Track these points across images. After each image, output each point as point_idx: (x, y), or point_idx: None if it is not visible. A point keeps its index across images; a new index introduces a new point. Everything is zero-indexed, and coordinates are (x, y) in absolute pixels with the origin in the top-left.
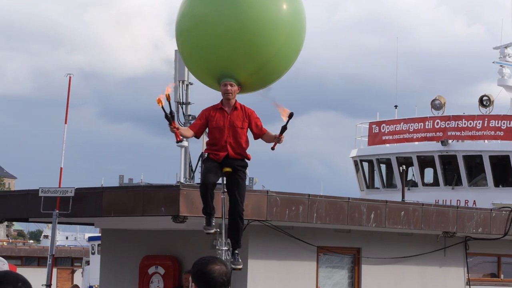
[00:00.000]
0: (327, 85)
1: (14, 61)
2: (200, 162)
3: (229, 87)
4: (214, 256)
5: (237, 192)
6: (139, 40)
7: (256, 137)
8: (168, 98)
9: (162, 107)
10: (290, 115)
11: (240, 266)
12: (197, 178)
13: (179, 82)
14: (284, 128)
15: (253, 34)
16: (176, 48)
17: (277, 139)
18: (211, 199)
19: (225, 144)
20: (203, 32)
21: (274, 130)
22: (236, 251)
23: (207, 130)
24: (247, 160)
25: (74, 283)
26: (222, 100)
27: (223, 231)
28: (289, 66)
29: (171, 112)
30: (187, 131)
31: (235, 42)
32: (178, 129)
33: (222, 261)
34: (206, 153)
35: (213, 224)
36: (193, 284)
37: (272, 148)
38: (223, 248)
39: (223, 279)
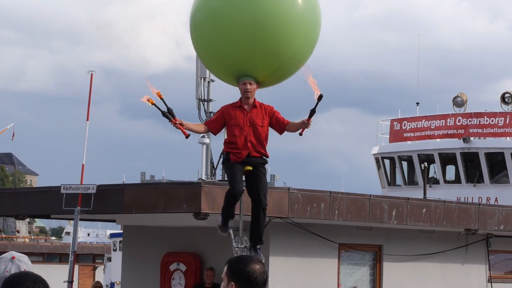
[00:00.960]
0: (348, 83)
1: (36, 58)
2: (221, 159)
3: (248, 86)
4: (250, 255)
5: (260, 188)
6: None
7: (280, 132)
8: (159, 96)
9: (155, 105)
10: (320, 97)
11: (262, 260)
12: (219, 175)
13: (201, 79)
14: (312, 112)
15: (270, 31)
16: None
17: (305, 124)
18: (235, 206)
19: (245, 142)
20: (222, 29)
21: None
22: (258, 247)
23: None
24: (266, 158)
25: (96, 279)
26: (240, 98)
27: (241, 229)
28: (305, 61)
29: (168, 109)
30: (197, 126)
31: (253, 40)
32: (181, 124)
33: (260, 260)
34: (226, 152)
35: (229, 227)
36: (232, 283)
37: (300, 134)
38: (240, 246)
39: (264, 279)
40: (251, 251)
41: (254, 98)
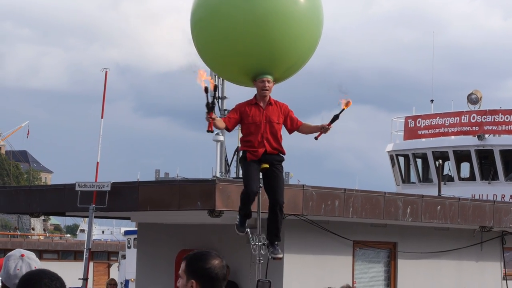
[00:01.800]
0: (362, 80)
1: (50, 56)
2: (235, 157)
3: (267, 84)
4: (209, 251)
5: (277, 186)
6: (174, 34)
7: (290, 132)
8: (214, 88)
9: (207, 94)
10: (348, 104)
11: (281, 255)
12: (233, 173)
13: (215, 77)
14: (335, 118)
15: (287, 28)
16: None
17: (324, 129)
18: (251, 205)
19: (261, 139)
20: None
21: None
22: (276, 243)
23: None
24: (282, 155)
25: (111, 277)
26: (255, 95)
27: (258, 226)
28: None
29: (213, 101)
30: (220, 122)
31: (273, 37)
32: (214, 119)
33: (218, 255)
34: (242, 151)
35: (246, 225)
36: (192, 281)
37: (316, 138)
38: (258, 243)
39: (224, 273)
40: (269, 248)
41: (269, 95)
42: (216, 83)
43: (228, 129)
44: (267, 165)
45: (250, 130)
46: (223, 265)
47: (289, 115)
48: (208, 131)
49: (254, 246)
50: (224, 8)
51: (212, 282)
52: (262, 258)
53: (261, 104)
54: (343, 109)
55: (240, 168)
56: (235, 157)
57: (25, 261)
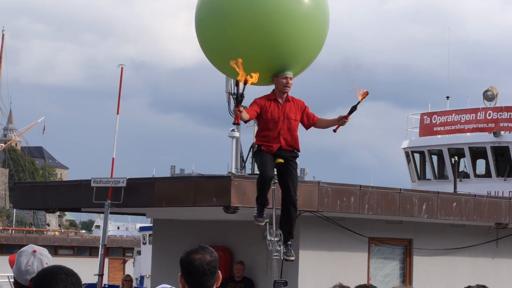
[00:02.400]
0: (378, 76)
1: (66, 52)
2: (251, 153)
3: (290, 81)
4: (202, 246)
5: (291, 182)
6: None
7: (307, 128)
8: (247, 82)
9: (237, 86)
10: (365, 94)
11: (293, 258)
12: (248, 169)
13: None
14: (353, 109)
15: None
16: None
17: (342, 121)
18: (267, 192)
19: (278, 135)
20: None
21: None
22: (289, 242)
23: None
24: (297, 152)
25: (126, 273)
26: (274, 91)
27: (274, 222)
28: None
29: (242, 94)
30: (245, 114)
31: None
32: (241, 112)
33: (208, 250)
34: (257, 144)
35: (265, 215)
36: (180, 274)
37: (335, 131)
38: (274, 239)
39: (204, 268)
40: (282, 248)
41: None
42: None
43: (248, 119)
44: (281, 160)
45: (268, 126)
46: (208, 260)
47: (305, 111)
48: (234, 123)
49: (270, 242)
50: (231, 12)
51: (191, 276)
52: (277, 254)
53: (280, 101)
54: (360, 100)
55: (255, 161)
56: (251, 153)
57: (36, 257)
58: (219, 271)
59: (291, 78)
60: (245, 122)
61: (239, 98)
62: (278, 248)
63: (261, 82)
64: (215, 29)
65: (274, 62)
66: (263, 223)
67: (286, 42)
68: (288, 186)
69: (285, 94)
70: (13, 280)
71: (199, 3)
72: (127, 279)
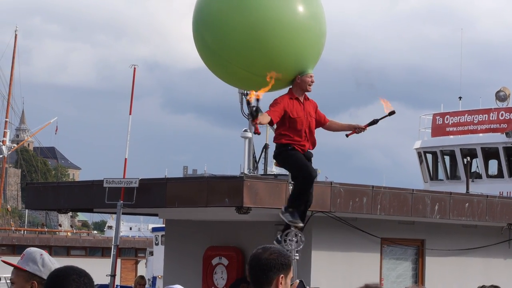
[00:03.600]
0: (390, 77)
1: (78, 52)
2: (263, 153)
3: (313, 79)
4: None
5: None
6: None
7: (317, 126)
8: (258, 98)
9: (248, 103)
10: (391, 113)
11: (301, 224)
12: (261, 169)
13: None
14: (374, 122)
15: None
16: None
17: (359, 129)
18: (309, 194)
19: (306, 134)
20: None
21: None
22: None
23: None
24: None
25: (138, 273)
26: (292, 90)
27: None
28: None
29: (257, 109)
30: (265, 118)
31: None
32: (259, 123)
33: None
34: (285, 143)
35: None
36: None
37: (347, 135)
38: (293, 239)
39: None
40: (288, 216)
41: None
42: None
43: (273, 122)
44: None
45: (296, 125)
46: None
47: (317, 111)
48: (255, 133)
49: (291, 243)
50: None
51: None
52: (298, 255)
53: (301, 99)
54: (385, 117)
55: (283, 160)
56: (263, 153)
57: (45, 255)
58: None
59: (313, 76)
60: (270, 125)
61: (253, 114)
62: (293, 248)
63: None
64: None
65: (314, 58)
66: (302, 224)
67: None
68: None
69: (304, 94)
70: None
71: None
72: (141, 283)
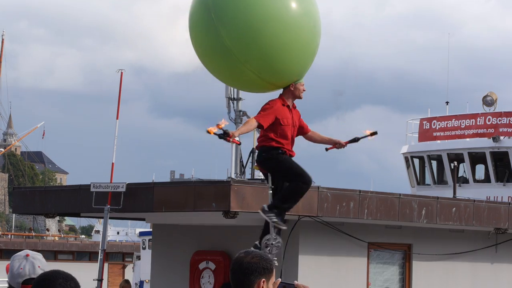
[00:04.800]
0: (377, 81)
1: (65, 56)
2: (251, 158)
3: (304, 88)
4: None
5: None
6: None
7: (299, 134)
8: (220, 127)
9: (215, 133)
10: (373, 133)
11: (285, 227)
12: (248, 174)
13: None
14: (355, 140)
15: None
16: None
17: (339, 145)
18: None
19: (292, 142)
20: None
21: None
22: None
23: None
24: None
25: (126, 278)
26: (282, 97)
27: (271, 227)
28: None
29: (224, 132)
30: (248, 126)
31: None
32: (234, 136)
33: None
34: (275, 147)
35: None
36: None
37: (327, 149)
38: (273, 243)
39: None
40: (272, 216)
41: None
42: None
43: (263, 127)
44: None
45: (286, 133)
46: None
47: (300, 119)
48: (239, 144)
49: (272, 246)
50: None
51: None
52: (276, 259)
53: (291, 107)
54: (366, 136)
55: (274, 164)
56: (250, 158)
57: (29, 260)
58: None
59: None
60: (260, 129)
61: (223, 137)
62: (273, 253)
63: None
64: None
65: (304, 67)
66: (285, 227)
67: (277, 53)
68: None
69: (294, 101)
70: (7, 285)
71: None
72: (126, 287)
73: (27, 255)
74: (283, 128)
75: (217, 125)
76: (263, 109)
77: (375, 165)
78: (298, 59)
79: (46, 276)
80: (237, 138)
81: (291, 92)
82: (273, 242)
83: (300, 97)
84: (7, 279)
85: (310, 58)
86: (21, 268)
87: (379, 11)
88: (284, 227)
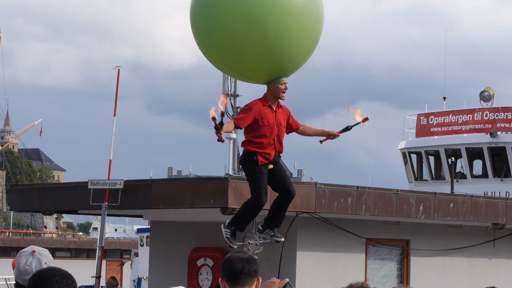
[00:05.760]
0: (374, 77)
1: (62, 53)
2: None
3: (287, 86)
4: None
5: (287, 180)
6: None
7: (288, 133)
8: (222, 114)
9: (213, 118)
10: (365, 119)
11: (283, 238)
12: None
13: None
14: (347, 129)
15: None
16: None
17: (332, 136)
18: (254, 218)
19: (273, 142)
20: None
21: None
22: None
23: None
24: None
25: (123, 275)
26: (266, 96)
27: (254, 226)
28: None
29: (221, 122)
30: (229, 125)
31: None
32: (222, 133)
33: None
34: (250, 152)
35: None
36: None
37: (321, 142)
38: (252, 241)
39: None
40: (269, 232)
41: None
42: (224, 110)
43: (240, 128)
44: (272, 166)
45: (265, 133)
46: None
47: (290, 118)
48: (219, 141)
49: (250, 245)
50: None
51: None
52: (267, 259)
53: (273, 107)
54: (358, 123)
55: (246, 171)
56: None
57: (35, 257)
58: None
59: (286, 83)
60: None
61: (218, 127)
62: (258, 251)
63: (255, 82)
64: (210, 28)
65: (272, 62)
66: (237, 246)
67: (283, 41)
68: (285, 181)
69: (278, 101)
70: (14, 282)
71: (193, 3)
72: (114, 284)
73: (34, 251)
74: (262, 128)
75: (221, 111)
76: (242, 110)
77: (373, 161)
78: (262, 55)
79: (43, 274)
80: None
81: (271, 92)
82: (254, 241)
83: (280, 97)
84: (5, 277)
85: (279, 58)
86: (28, 265)
87: (374, 6)
88: (234, 246)
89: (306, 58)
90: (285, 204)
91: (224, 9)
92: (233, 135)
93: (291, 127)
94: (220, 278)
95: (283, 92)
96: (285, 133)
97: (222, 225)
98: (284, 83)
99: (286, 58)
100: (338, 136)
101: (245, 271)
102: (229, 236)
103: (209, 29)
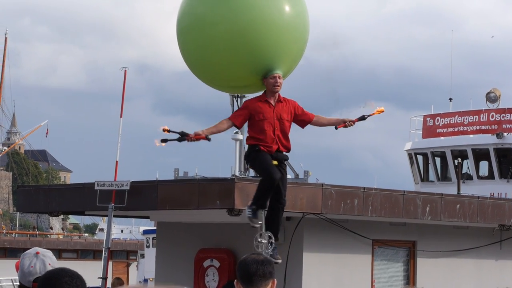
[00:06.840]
0: (379, 78)
1: (68, 54)
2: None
3: (278, 80)
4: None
5: (282, 186)
6: None
7: (303, 126)
8: (166, 130)
9: (169, 134)
10: (380, 111)
11: (280, 260)
12: (252, 171)
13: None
14: (363, 118)
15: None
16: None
17: (349, 123)
18: (271, 194)
19: (274, 136)
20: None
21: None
22: (274, 245)
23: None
24: (287, 154)
25: (129, 276)
26: (265, 92)
27: (263, 224)
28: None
29: (180, 133)
30: (219, 125)
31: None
32: (199, 135)
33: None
34: (252, 145)
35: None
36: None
37: (337, 128)
38: (264, 241)
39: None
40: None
41: (279, 93)
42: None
43: (237, 126)
44: (276, 162)
45: (263, 128)
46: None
47: (299, 110)
48: (209, 140)
49: (260, 244)
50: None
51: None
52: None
53: (271, 101)
54: (374, 113)
55: (252, 162)
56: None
57: (39, 258)
58: None
59: (280, 77)
60: (226, 130)
61: (181, 138)
62: (267, 251)
63: (255, 89)
64: (197, 41)
65: (258, 65)
66: (259, 225)
67: (266, 46)
68: (280, 190)
69: (277, 95)
70: (18, 283)
71: (180, 15)
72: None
73: (37, 253)
74: (259, 123)
75: (164, 130)
76: (238, 109)
77: (379, 162)
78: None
79: (52, 274)
80: (209, 136)
81: (266, 86)
82: (262, 240)
83: (273, 91)
84: (11, 278)
85: (251, 48)
86: (32, 266)
87: (380, 7)
88: (256, 225)
89: (286, 47)
90: (275, 214)
91: (185, 33)
92: (240, 136)
93: (304, 120)
94: (235, 280)
95: (276, 85)
96: (289, 128)
97: (246, 206)
98: (275, 76)
99: (260, 48)
100: (354, 124)
101: (259, 273)
102: (250, 216)
103: (186, 59)
